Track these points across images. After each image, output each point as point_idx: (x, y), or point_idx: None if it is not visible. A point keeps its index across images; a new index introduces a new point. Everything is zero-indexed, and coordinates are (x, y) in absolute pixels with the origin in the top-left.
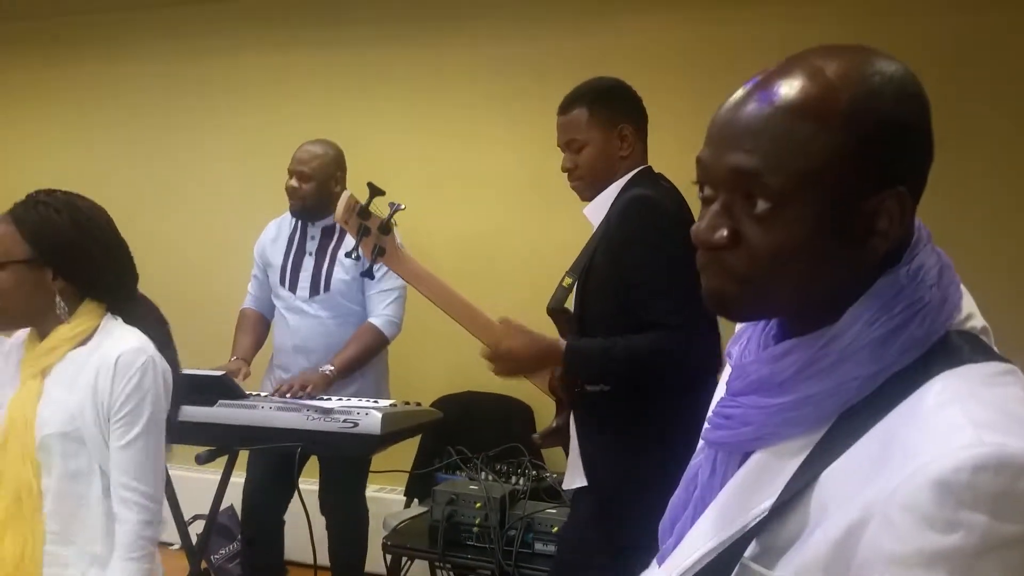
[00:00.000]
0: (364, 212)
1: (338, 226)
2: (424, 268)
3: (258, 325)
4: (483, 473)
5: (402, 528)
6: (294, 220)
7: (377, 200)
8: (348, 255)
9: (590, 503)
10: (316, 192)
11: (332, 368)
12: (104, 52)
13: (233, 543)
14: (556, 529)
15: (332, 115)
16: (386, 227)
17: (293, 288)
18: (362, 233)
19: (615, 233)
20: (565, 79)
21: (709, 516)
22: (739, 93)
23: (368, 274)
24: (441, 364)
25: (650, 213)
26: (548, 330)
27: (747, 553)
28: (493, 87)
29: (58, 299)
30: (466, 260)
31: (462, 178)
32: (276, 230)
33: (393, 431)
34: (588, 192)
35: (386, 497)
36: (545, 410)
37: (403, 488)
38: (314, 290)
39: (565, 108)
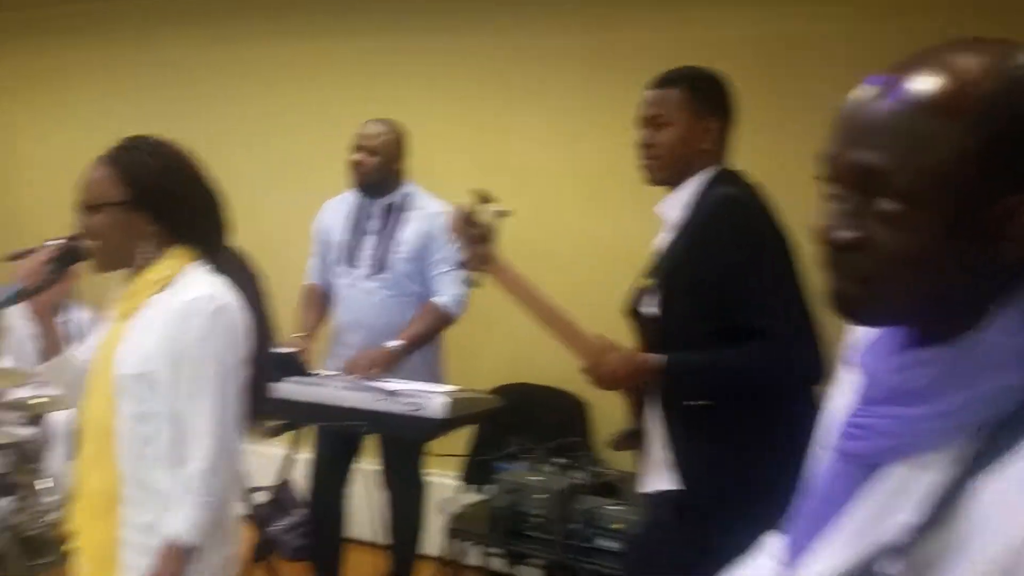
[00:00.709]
0: (473, 221)
1: (399, 204)
2: (526, 279)
3: (320, 301)
4: (545, 465)
5: (463, 513)
6: (355, 199)
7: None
8: (455, 266)
9: (674, 508)
10: (381, 167)
11: (397, 344)
12: (143, 36)
13: (291, 516)
14: (619, 526)
15: (380, 105)
16: (491, 235)
17: (353, 266)
18: (472, 242)
19: (707, 234)
20: (616, 72)
21: (843, 530)
22: (867, 87)
23: (472, 283)
24: (497, 354)
25: (748, 215)
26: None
27: (889, 570)
28: (538, 79)
29: (148, 243)
30: (516, 258)
31: (510, 172)
32: (336, 209)
33: (456, 417)
34: (658, 175)
35: (439, 481)
36: (601, 405)
37: (457, 473)
38: (374, 268)
39: (661, 84)
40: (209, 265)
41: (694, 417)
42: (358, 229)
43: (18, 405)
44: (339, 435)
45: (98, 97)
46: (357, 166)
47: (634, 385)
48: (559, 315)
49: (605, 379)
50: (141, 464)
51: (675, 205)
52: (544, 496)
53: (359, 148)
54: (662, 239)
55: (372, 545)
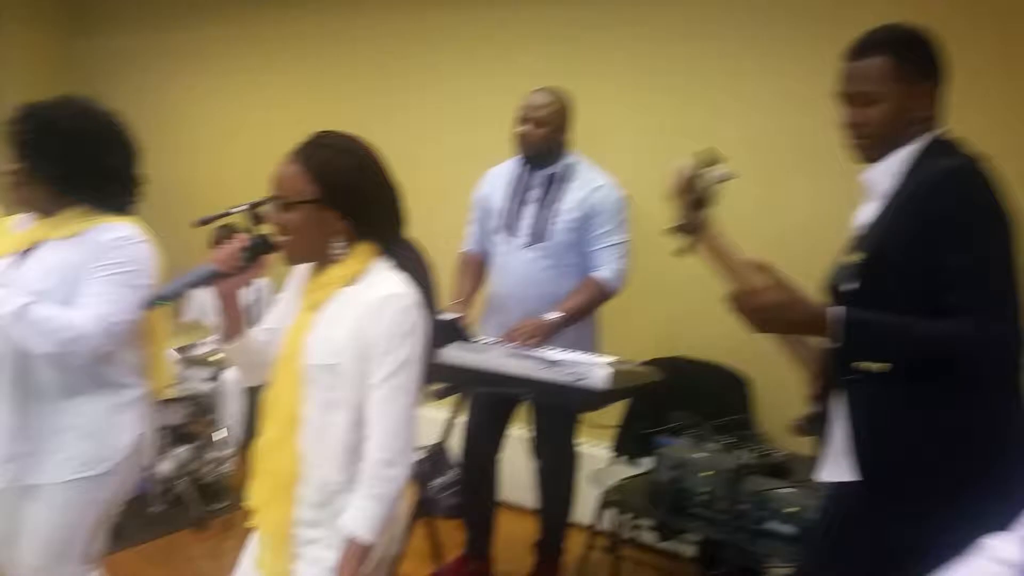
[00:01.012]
0: (693, 185)
1: (559, 176)
2: (736, 249)
3: (477, 269)
4: (708, 442)
5: (622, 486)
6: (517, 167)
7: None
8: (671, 231)
9: (860, 501)
10: (548, 137)
11: (556, 316)
12: (312, 9)
13: (446, 475)
14: (791, 510)
15: (552, 69)
16: (709, 200)
17: (512, 235)
18: (689, 207)
19: (927, 207)
20: (800, 32)
21: None
22: None
23: (682, 251)
24: (651, 326)
25: (977, 191)
26: None
27: None
28: (715, 42)
29: (337, 239)
30: None
31: (683, 139)
32: (497, 177)
33: (618, 388)
34: (872, 152)
35: (590, 451)
36: (763, 382)
37: (608, 444)
38: (534, 238)
39: (860, 53)
40: (391, 260)
41: (881, 400)
42: (519, 198)
43: (198, 360)
44: (494, 401)
45: (265, 68)
46: (523, 137)
47: (792, 332)
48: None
49: (756, 313)
50: (321, 452)
51: (885, 174)
52: (710, 474)
53: (526, 119)
54: (867, 211)
55: (524, 510)
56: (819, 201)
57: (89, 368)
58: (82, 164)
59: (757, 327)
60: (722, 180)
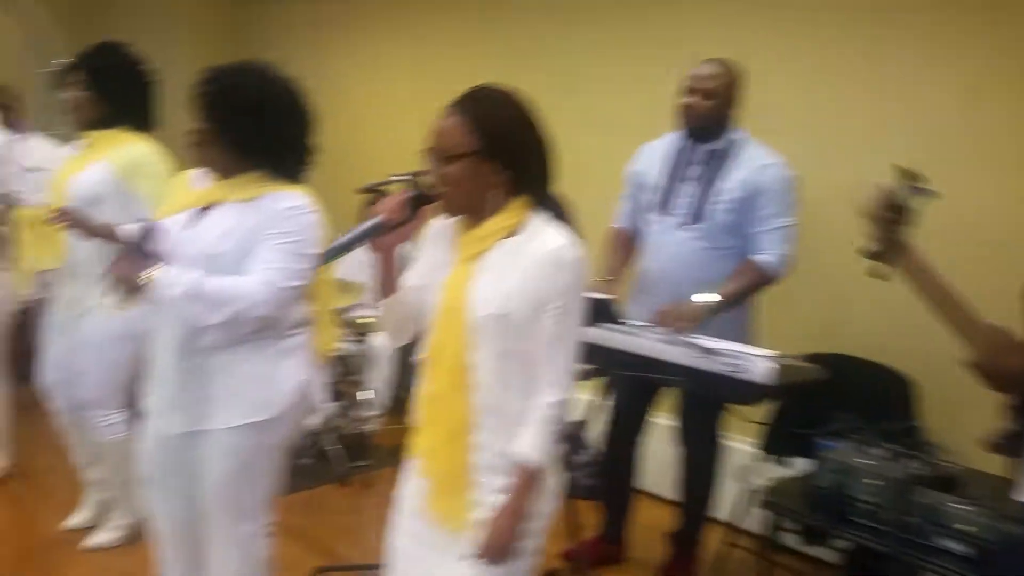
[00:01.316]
0: (894, 204)
1: (723, 152)
2: (935, 268)
3: (627, 246)
4: (872, 447)
5: (777, 487)
6: (676, 142)
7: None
8: (866, 254)
9: None
10: (715, 111)
11: (712, 299)
12: None
13: (584, 456)
14: (967, 529)
15: (720, 40)
16: (910, 220)
17: (668, 213)
18: (887, 226)
19: None
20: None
21: None
22: None
23: (878, 274)
24: (808, 319)
25: None
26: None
27: None
28: (896, 29)
29: (495, 192)
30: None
31: (854, 123)
32: (654, 152)
33: (781, 384)
34: None
35: (733, 445)
36: (932, 387)
37: (753, 440)
38: (692, 217)
39: None
40: (544, 212)
41: None
42: (677, 174)
43: (348, 321)
44: (640, 385)
45: (425, 34)
46: (688, 108)
47: None
48: (961, 307)
49: (1001, 379)
50: (499, 395)
51: None
52: (877, 483)
53: (692, 90)
54: None
55: (662, 499)
56: (1003, 198)
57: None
58: (264, 131)
59: (999, 389)
60: (925, 198)
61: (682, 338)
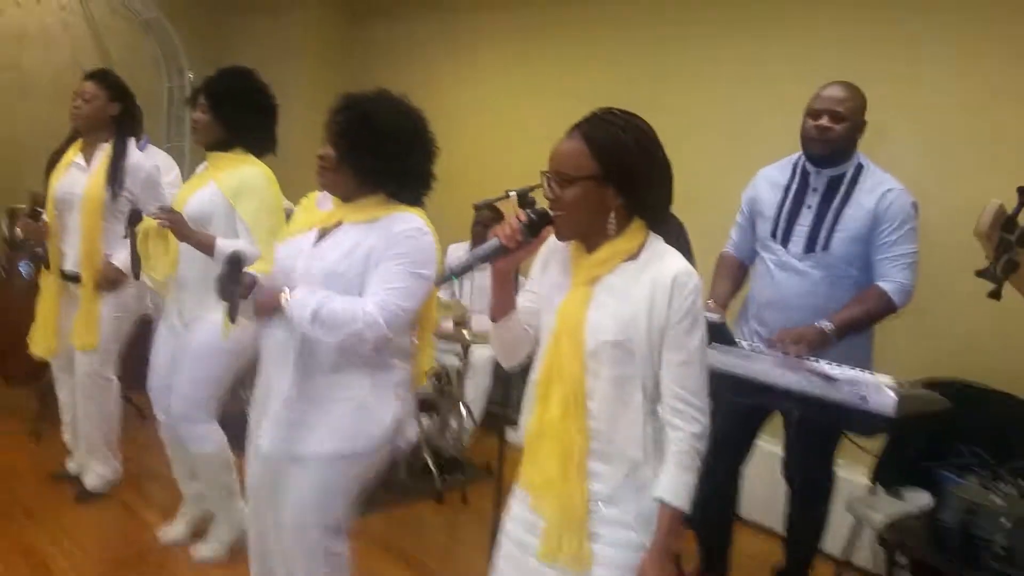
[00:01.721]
0: (1010, 224)
1: (846, 178)
2: None
3: (737, 272)
4: (1001, 483)
5: (894, 522)
6: (793, 167)
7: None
8: (979, 273)
9: None
10: (845, 135)
11: (830, 326)
12: None
13: None
14: None
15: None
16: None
17: (785, 242)
18: (1002, 249)
19: None
20: None
21: None
22: None
23: (995, 295)
24: (926, 342)
25: None
26: None
27: None
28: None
29: (612, 215)
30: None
31: (970, 146)
32: (772, 177)
33: (907, 414)
34: None
35: (844, 475)
36: None
37: (866, 470)
38: (809, 246)
39: None
40: (660, 236)
41: None
42: (796, 202)
43: (449, 336)
44: (744, 410)
45: (536, 54)
46: (820, 132)
47: None
48: None
49: None
50: (614, 425)
51: None
52: (1012, 524)
53: (821, 112)
54: None
55: (768, 531)
56: None
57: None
58: (392, 158)
59: None
60: None
61: (800, 364)
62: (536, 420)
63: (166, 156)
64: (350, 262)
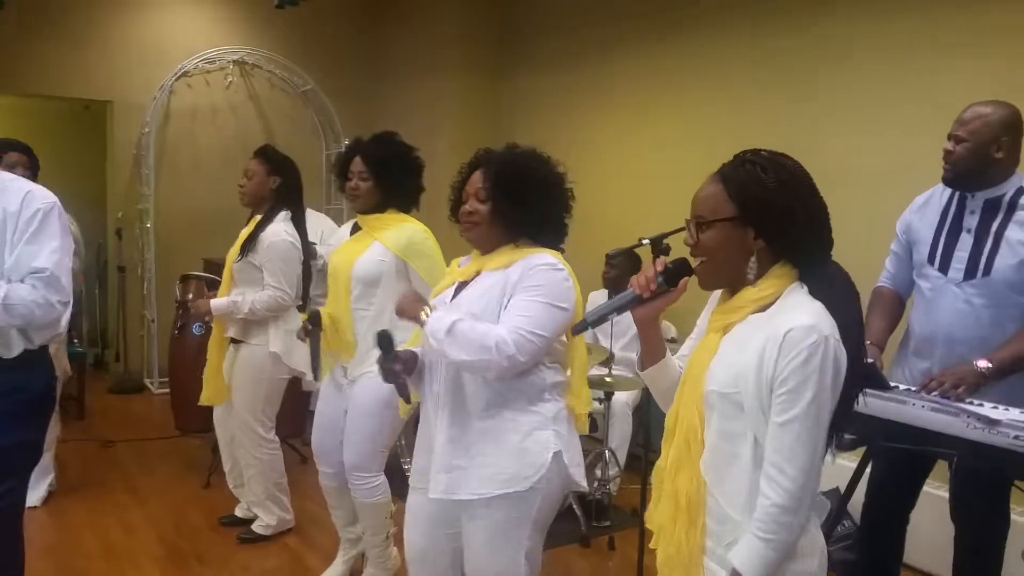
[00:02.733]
0: None
1: (1005, 200)
2: None
3: (894, 306)
4: None
5: None
6: (950, 191)
7: None
8: None
9: None
10: (970, 156)
11: (989, 365)
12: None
13: (841, 527)
14: None
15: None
16: None
17: (944, 269)
18: None
19: None
20: None
21: None
22: None
23: None
24: None
25: None
26: None
27: None
28: None
29: (753, 260)
30: None
31: None
32: (925, 204)
33: None
34: None
35: (1019, 519)
36: None
37: None
38: (970, 273)
39: None
40: (809, 285)
41: None
42: (954, 226)
43: (590, 380)
44: (908, 455)
45: (670, 100)
46: (947, 156)
47: None
48: None
49: None
50: (723, 480)
51: None
52: None
53: (949, 136)
54: None
55: None
56: None
57: (511, 385)
58: (538, 211)
59: None
60: None
61: (959, 406)
62: (659, 464)
63: (329, 221)
64: (487, 300)
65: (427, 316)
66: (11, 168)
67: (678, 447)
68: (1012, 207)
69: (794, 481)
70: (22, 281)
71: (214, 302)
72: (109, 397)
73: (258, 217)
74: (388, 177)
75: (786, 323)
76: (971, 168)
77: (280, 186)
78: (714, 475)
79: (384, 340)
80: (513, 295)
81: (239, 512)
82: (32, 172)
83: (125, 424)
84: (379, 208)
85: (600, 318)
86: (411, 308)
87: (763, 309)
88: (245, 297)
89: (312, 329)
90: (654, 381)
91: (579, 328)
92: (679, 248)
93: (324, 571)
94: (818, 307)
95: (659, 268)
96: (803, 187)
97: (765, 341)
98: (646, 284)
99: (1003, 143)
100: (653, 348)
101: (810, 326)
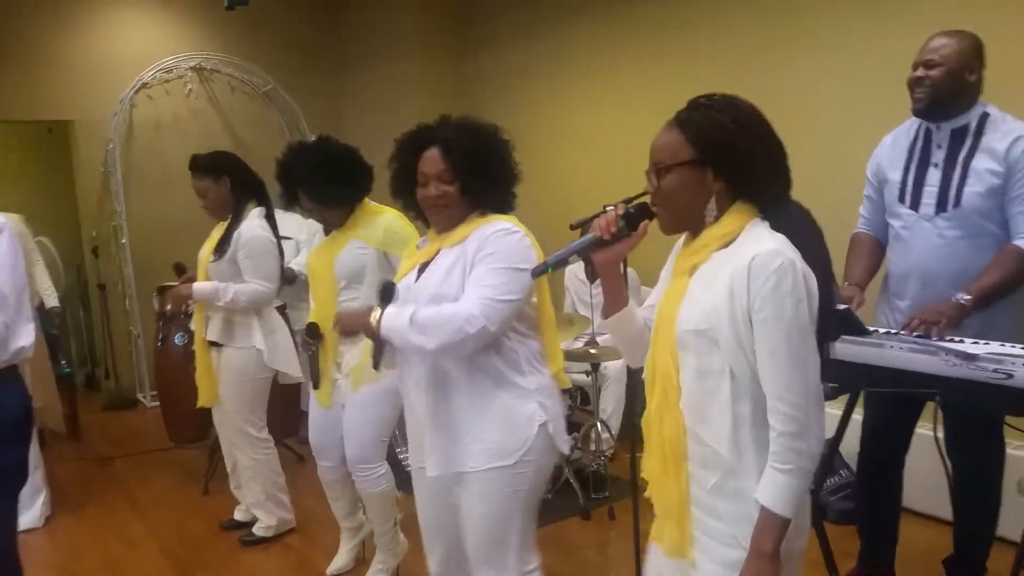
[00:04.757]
0: None
1: (970, 128)
2: None
3: (873, 250)
4: None
5: None
6: (916, 128)
7: None
8: None
9: None
10: (945, 80)
11: (967, 297)
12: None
13: (837, 476)
14: None
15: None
16: None
17: (915, 205)
18: None
19: None
20: None
21: None
22: None
23: None
24: None
25: None
26: None
27: None
28: None
29: (712, 200)
30: None
31: None
32: (893, 142)
33: None
34: None
35: (1015, 453)
36: None
37: None
38: (941, 206)
39: None
40: (769, 221)
41: None
42: (922, 161)
43: (577, 353)
44: (897, 398)
45: (625, 65)
46: (916, 83)
47: None
48: None
49: None
50: (702, 420)
51: None
52: None
53: (917, 64)
54: None
55: (931, 519)
56: None
57: (490, 357)
58: (501, 184)
59: None
60: None
61: (935, 344)
62: (645, 415)
63: (300, 218)
64: (451, 279)
65: (375, 319)
66: None
67: (659, 395)
68: (978, 134)
69: (795, 406)
70: None
71: (196, 285)
72: (103, 415)
73: (221, 224)
74: (332, 182)
75: (750, 251)
76: (947, 92)
77: (233, 183)
78: (696, 415)
79: (387, 291)
80: (473, 267)
81: (239, 515)
82: None
83: (121, 440)
84: (346, 203)
85: (560, 261)
86: (354, 321)
87: (726, 246)
88: (228, 286)
89: (310, 342)
90: (617, 329)
91: (539, 271)
92: None
93: (329, 565)
94: (780, 237)
95: (620, 212)
96: (759, 126)
97: (732, 272)
98: (607, 226)
99: (974, 66)
100: (616, 295)
101: (774, 250)
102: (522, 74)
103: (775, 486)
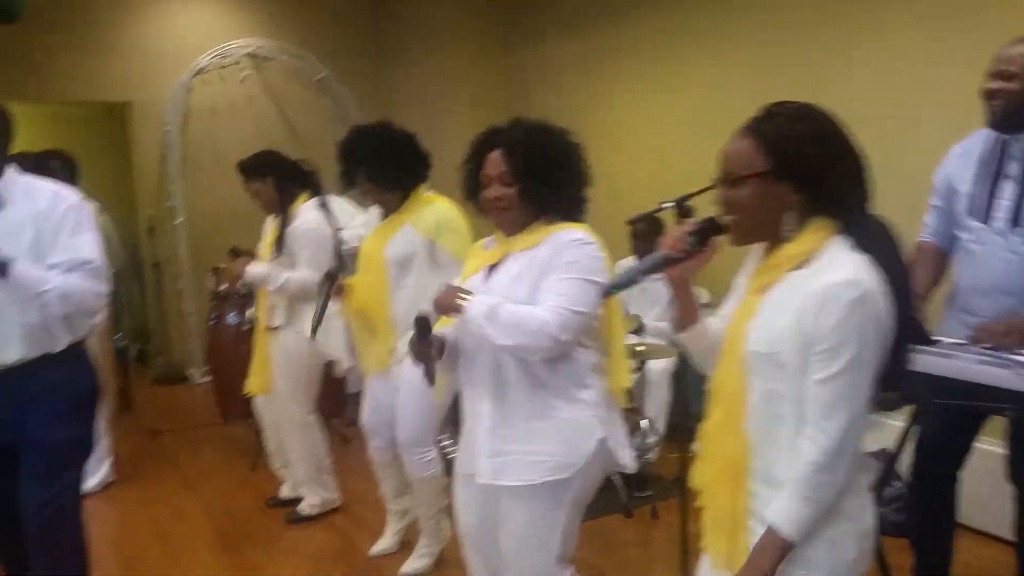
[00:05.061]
0: None
1: None
2: None
3: (937, 260)
4: None
5: None
6: (990, 139)
7: None
8: None
9: None
10: (1022, 92)
11: None
12: None
13: (890, 487)
14: None
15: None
16: None
17: (986, 219)
18: None
19: None
20: None
21: None
22: None
23: None
24: None
25: None
26: None
27: None
28: None
29: (788, 214)
30: None
31: None
32: (964, 153)
33: None
34: None
35: None
36: None
37: None
38: (1015, 221)
39: None
40: (851, 238)
41: None
42: (993, 174)
43: (628, 351)
44: (957, 412)
45: (682, 61)
46: (990, 96)
47: None
48: None
49: None
50: (768, 442)
51: None
52: None
53: (991, 75)
54: None
55: (992, 538)
56: None
57: (553, 368)
58: (563, 188)
59: None
60: None
61: (1010, 357)
62: (704, 427)
63: (348, 205)
64: (520, 284)
65: (465, 304)
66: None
67: (725, 410)
68: None
69: (833, 439)
70: (71, 272)
71: (251, 266)
72: (154, 389)
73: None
74: (392, 168)
75: (826, 279)
76: (1020, 106)
77: (277, 181)
78: (759, 437)
79: (422, 324)
80: (547, 275)
81: (284, 492)
82: (68, 177)
83: (170, 413)
84: (397, 190)
85: (628, 281)
86: (448, 299)
87: (802, 266)
88: (280, 272)
89: (326, 285)
90: (691, 343)
91: (606, 292)
92: (704, 211)
93: (373, 546)
94: (860, 260)
95: (688, 228)
96: (837, 137)
97: (805, 298)
98: (673, 243)
99: None
100: (688, 310)
101: (851, 281)
102: (575, 67)
103: (791, 512)
